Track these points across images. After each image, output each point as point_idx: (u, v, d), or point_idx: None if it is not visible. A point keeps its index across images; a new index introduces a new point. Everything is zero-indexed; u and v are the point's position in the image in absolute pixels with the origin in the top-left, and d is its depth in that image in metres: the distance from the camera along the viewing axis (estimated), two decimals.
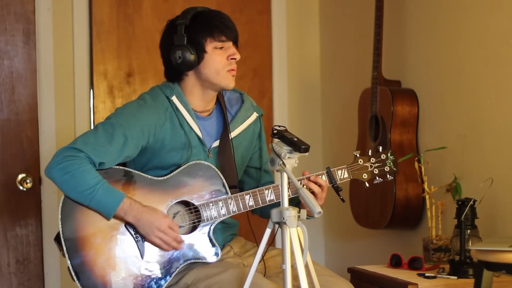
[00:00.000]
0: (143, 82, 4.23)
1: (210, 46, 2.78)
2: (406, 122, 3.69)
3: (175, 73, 2.84)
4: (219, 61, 2.79)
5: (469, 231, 3.07)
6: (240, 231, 2.99)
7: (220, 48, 2.79)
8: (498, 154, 3.25)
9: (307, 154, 2.43)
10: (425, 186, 3.44)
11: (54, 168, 2.67)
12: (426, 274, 3.07)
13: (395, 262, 3.29)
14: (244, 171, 2.96)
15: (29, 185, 3.89)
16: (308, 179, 2.76)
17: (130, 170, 2.77)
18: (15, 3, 3.90)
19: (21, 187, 3.89)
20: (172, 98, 2.80)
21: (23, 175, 3.90)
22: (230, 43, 2.81)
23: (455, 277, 3.04)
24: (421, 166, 3.47)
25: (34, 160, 3.93)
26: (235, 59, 2.80)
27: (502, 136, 3.23)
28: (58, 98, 4.07)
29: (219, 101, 2.91)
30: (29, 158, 3.91)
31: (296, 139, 2.44)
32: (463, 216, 3.06)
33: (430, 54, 3.67)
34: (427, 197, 3.44)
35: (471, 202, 3.07)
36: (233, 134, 2.87)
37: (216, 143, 2.86)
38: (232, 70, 2.80)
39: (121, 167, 2.78)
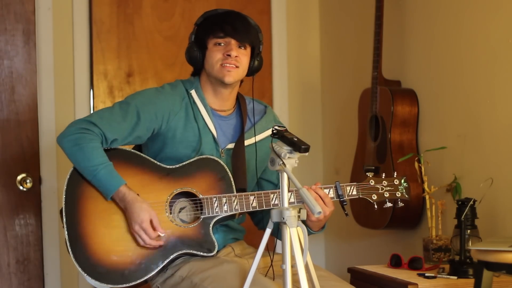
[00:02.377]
0: (143, 82, 4.22)
1: (211, 43, 2.86)
2: (406, 122, 3.69)
3: (194, 70, 2.95)
4: (215, 56, 2.85)
5: (469, 231, 3.07)
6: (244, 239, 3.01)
7: (220, 44, 2.85)
8: (498, 154, 3.25)
9: (307, 154, 2.43)
10: (425, 186, 3.44)
11: (66, 138, 2.74)
12: (426, 274, 3.07)
13: (395, 262, 3.28)
14: (257, 183, 2.97)
15: (29, 185, 3.89)
16: (310, 188, 2.75)
17: (143, 155, 2.83)
18: (15, 3, 3.89)
19: (21, 187, 3.89)
20: (191, 92, 2.89)
21: (23, 175, 3.89)
22: (231, 40, 2.84)
23: (455, 277, 3.03)
24: (421, 166, 3.47)
25: (34, 160, 3.92)
26: (230, 55, 2.82)
27: (502, 136, 3.23)
28: (58, 98, 4.07)
29: (240, 106, 2.94)
30: (29, 158, 3.90)
31: (296, 139, 2.44)
32: (463, 216, 3.06)
33: (430, 54, 3.67)
34: (427, 197, 3.44)
35: (471, 202, 3.07)
36: (249, 141, 2.90)
37: (231, 146, 2.89)
38: (227, 65, 2.82)
39: (135, 151, 2.84)
